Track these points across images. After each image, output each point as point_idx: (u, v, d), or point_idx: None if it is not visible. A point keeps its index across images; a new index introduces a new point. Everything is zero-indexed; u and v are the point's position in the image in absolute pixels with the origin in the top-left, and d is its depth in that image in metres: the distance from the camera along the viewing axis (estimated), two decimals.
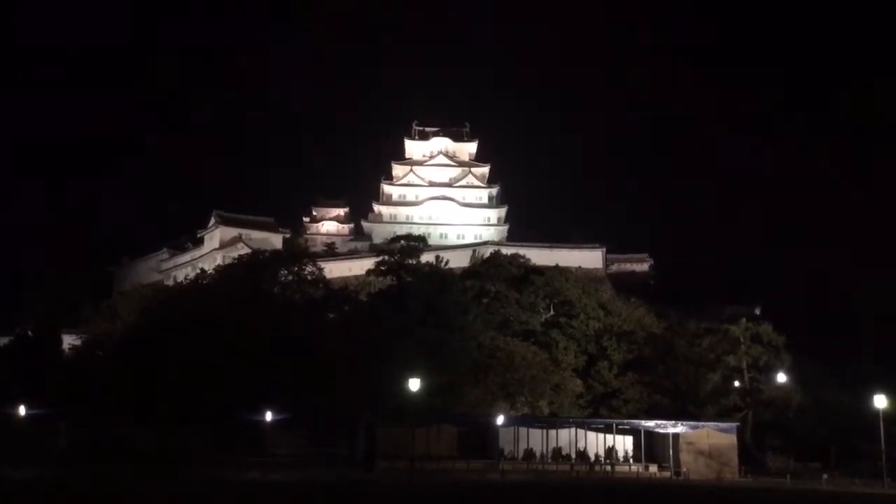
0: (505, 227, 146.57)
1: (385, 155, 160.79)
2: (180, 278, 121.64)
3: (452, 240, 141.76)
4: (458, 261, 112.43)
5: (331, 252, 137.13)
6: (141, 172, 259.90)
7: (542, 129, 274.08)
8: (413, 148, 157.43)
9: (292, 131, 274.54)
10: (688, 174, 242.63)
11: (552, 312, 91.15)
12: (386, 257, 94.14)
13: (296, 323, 69.06)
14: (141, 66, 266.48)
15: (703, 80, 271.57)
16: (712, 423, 66.79)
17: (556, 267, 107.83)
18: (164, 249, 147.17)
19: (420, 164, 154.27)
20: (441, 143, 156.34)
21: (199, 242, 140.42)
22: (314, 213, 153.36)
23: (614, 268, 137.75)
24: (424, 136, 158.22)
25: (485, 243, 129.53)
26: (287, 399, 59.40)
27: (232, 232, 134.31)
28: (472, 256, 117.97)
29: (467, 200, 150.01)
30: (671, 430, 64.43)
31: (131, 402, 61.87)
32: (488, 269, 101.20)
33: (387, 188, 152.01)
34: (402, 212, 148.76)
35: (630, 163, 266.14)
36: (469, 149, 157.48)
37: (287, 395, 59.90)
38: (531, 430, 65.12)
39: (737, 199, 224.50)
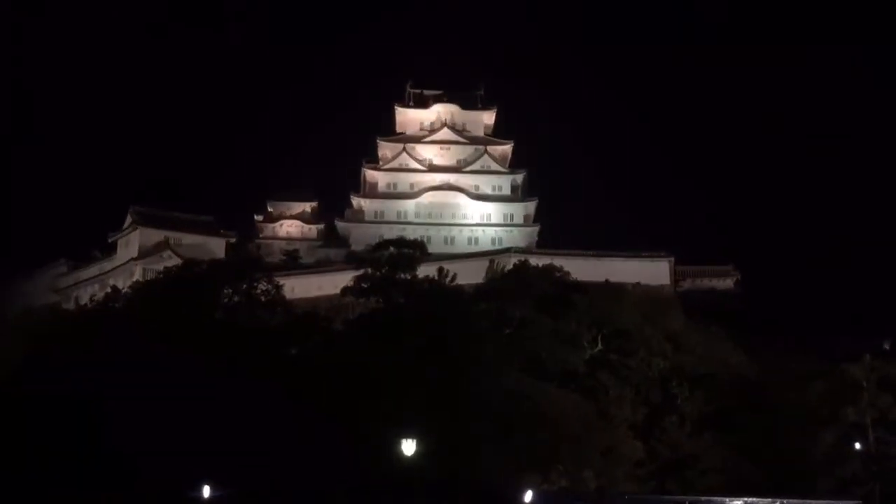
0: (534, 228, 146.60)
1: (368, 128, 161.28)
2: (84, 299, 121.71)
3: (461, 245, 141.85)
4: (470, 275, 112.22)
5: (293, 263, 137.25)
6: (33, 163, 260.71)
7: (586, 94, 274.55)
8: (407, 118, 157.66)
9: (237, 97, 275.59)
10: (786, 160, 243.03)
11: (600, 346, 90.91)
12: (369, 270, 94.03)
13: (245, 361, 68.98)
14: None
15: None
16: (825, 502, 66.57)
17: (607, 283, 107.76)
18: (62, 261, 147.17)
19: (417, 140, 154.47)
20: (446, 111, 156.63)
21: (110, 250, 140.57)
22: (270, 210, 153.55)
23: (687, 284, 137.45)
24: (423, 103, 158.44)
25: (507, 250, 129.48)
26: (233, 466, 59.32)
27: (156, 235, 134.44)
28: (490, 269, 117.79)
29: (482, 191, 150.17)
30: None
31: (9, 471, 61.71)
32: (512, 285, 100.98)
33: (370, 174, 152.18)
34: (391, 207, 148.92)
35: (707, 142, 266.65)
36: (485, 119, 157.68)
37: (233, 460, 59.82)
38: None
39: (853, 192, 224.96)
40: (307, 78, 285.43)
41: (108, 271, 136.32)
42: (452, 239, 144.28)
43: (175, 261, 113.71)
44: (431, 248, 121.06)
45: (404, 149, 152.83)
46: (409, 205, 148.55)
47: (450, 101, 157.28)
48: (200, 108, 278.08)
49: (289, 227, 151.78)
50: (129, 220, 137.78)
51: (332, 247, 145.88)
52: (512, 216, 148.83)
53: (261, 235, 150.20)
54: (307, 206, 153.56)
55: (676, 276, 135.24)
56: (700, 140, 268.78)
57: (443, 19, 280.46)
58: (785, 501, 65.62)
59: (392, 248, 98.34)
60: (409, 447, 52.34)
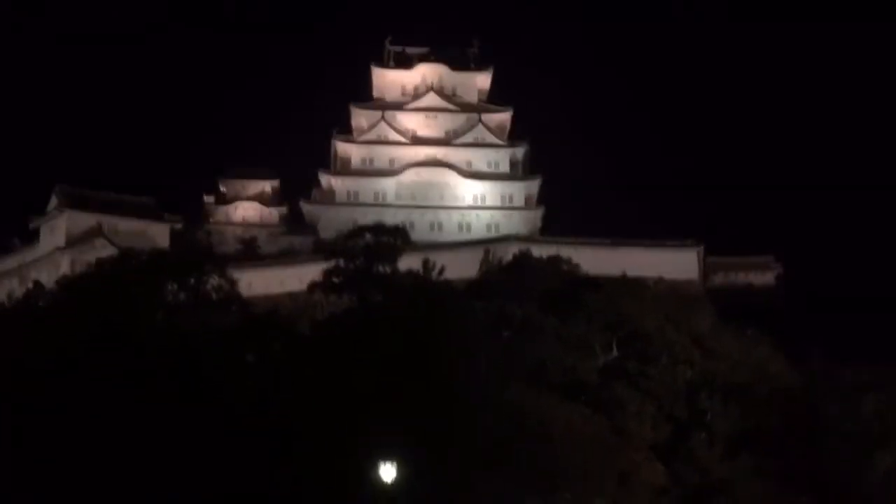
0: (538, 212, 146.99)
1: (339, 94, 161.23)
2: (1, 296, 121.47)
3: (451, 233, 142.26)
4: (461, 267, 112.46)
5: (250, 253, 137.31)
6: None
7: (597, 52, 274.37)
8: (386, 81, 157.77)
9: (181, 55, 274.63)
10: (835, 131, 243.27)
11: (615, 353, 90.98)
12: (341, 262, 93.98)
13: (192, 371, 68.90)
14: None
15: None
16: None
17: (623, 278, 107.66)
18: None
19: (397, 107, 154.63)
20: (432, 72, 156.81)
21: (32, 238, 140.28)
22: (223, 190, 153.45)
23: (718, 279, 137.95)
24: (405, 62, 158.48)
25: (505, 238, 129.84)
26: (176, 499, 59.27)
27: (86, 220, 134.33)
28: (485, 260, 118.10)
29: (476, 167, 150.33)
30: None
31: None
32: (511, 280, 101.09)
33: (342, 147, 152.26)
34: (366, 186, 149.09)
35: (742, 110, 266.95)
36: (479, 82, 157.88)
37: (176, 491, 59.78)
38: None
39: None
40: (264, 34, 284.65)
41: (30, 263, 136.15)
42: (440, 224, 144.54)
43: (110, 250, 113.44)
44: (415, 236, 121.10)
45: (383, 117, 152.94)
46: (389, 184, 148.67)
47: (437, 60, 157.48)
48: (138, 69, 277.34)
49: (245, 211, 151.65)
50: (54, 202, 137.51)
51: (296, 234, 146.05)
52: (511, 197, 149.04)
53: (212, 220, 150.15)
54: (267, 186, 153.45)
55: (706, 269, 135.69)
56: (731, 108, 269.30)
57: None
58: None
59: (368, 236, 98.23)
60: (388, 472, 52.37)
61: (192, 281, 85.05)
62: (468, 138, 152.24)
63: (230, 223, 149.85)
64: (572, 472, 74.04)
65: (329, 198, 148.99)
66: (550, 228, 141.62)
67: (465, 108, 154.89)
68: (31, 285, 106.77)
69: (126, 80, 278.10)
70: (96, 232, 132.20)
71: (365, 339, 77.98)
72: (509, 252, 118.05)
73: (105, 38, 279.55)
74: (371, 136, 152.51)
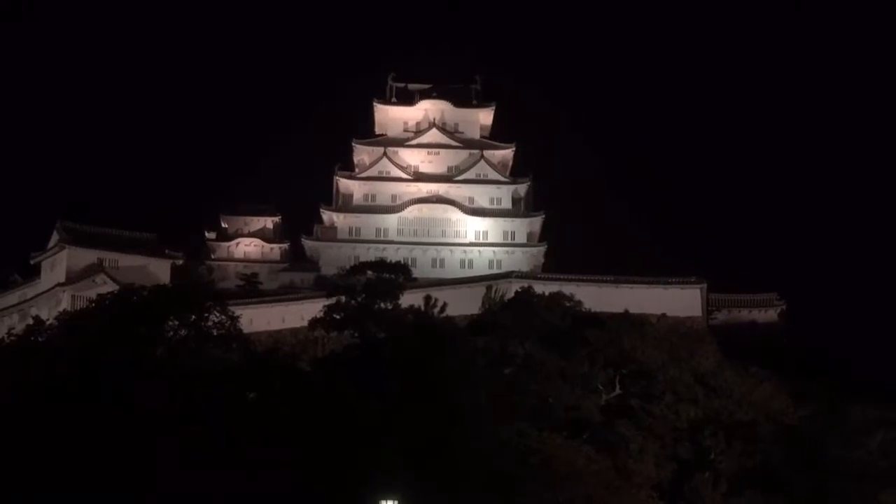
0: (540, 249, 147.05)
1: (341, 130, 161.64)
2: (2, 332, 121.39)
3: (453, 269, 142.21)
4: (463, 304, 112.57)
5: (251, 289, 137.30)
6: None
7: (600, 89, 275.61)
8: (388, 117, 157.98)
9: (184, 91, 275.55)
10: (839, 168, 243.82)
11: (618, 390, 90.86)
12: (342, 298, 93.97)
13: (191, 408, 68.76)
14: None
15: None
16: None
17: (626, 315, 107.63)
18: None
19: (400, 143, 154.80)
20: (435, 108, 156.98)
21: (33, 274, 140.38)
22: (224, 226, 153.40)
23: (722, 316, 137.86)
24: (407, 99, 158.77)
25: (507, 275, 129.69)
26: None
27: (87, 256, 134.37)
28: (487, 297, 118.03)
29: (478, 203, 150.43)
30: None
31: None
32: (513, 317, 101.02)
33: (344, 183, 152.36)
34: (368, 222, 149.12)
35: (742, 147, 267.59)
36: (481, 118, 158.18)
37: None
38: None
39: None
40: (268, 69, 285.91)
41: (31, 299, 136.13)
42: (442, 261, 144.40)
43: (110, 286, 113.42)
44: (417, 273, 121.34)
45: (385, 153, 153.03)
46: (391, 220, 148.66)
47: (439, 96, 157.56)
48: (141, 104, 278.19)
49: (246, 247, 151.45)
50: (55, 238, 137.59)
51: (298, 270, 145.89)
52: (513, 234, 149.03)
53: (213, 256, 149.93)
54: (269, 222, 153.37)
55: (710, 307, 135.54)
56: (735, 145, 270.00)
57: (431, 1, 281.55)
58: None
59: (370, 273, 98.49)
60: None
61: (193, 317, 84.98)
62: (470, 174, 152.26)
63: (231, 259, 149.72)
64: None
65: (331, 234, 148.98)
66: (552, 265, 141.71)
67: (467, 144, 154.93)
68: (31, 321, 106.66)
69: (129, 117, 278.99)
70: (97, 268, 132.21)
71: (366, 376, 78.01)
72: (511, 289, 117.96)
73: (109, 77, 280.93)
74: (373, 172, 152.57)
